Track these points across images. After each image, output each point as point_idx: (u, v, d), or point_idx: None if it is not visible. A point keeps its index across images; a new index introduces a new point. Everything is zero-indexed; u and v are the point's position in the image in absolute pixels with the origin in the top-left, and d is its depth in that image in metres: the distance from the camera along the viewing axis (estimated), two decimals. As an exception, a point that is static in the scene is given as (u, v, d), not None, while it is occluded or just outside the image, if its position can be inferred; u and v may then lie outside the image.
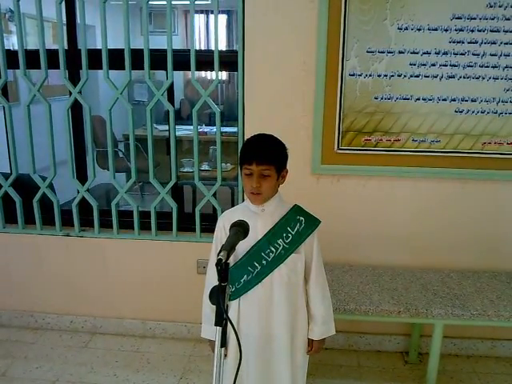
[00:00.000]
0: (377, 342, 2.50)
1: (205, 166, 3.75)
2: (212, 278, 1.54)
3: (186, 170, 3.66)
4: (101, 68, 2.33)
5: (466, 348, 2.47)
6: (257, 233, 1.48)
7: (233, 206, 1.68)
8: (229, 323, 1.12)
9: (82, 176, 2.57)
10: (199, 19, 6.79)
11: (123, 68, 2.32)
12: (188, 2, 2.19)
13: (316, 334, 1.58)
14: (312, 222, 1.53)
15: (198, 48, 6.82)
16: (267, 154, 1.43)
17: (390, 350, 2.50)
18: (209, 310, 1.55)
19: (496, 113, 2.19)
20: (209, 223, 2.34)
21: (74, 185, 2.52)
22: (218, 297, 1.12)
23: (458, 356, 2.46)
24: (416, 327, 2.37)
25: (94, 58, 2.32)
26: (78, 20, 2.36)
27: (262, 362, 1.56)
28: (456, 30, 2.11)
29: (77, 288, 2.63)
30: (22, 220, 2.58)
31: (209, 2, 2.21)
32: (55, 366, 2.37)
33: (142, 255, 2.55)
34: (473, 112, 2.20)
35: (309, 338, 1.59)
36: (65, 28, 2.38)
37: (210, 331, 1.57)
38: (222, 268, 1.13)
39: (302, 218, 1.51)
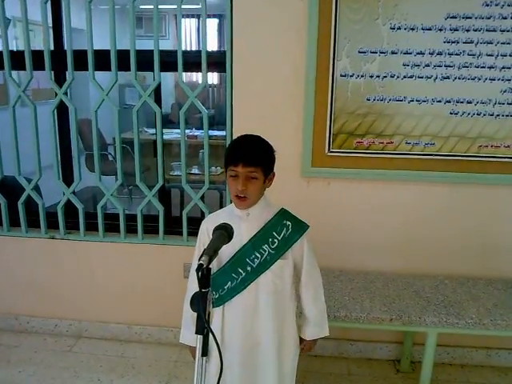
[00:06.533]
0: (368, 349, 2.45)
1: (195, 170, 3.76)
2: (194, 283, 1.49)
3: (175, 173, 3.65)
4: (87, 69, 2.28)
5: (460, 357, 2.41)
6: (241, 238, 1.43)
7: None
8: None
9: (69, 178, 2.53)
10: (190, 23, 6.80)
11: (110, 69, 2.27)
12: (175, 6, 2.15)
13: (307, 335, 1.55)
14: (300, 227, 1.46)
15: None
16: (254, 156, 1.37)
17: (381, 358, 2.45)
18: (189, 315, 1.50)
19: (493, 115, 2.13)
20: (196, 227, 2.23)
21: (60, 187, 2.47)
22: (199, 304, 1.06)
23: (451, 365, 2.41)
24: (408, 335, 2.32)
25: (81, 59, 2.28)
26: (64, 21, 2.32)
27: (247, 371, 1.52)
28: (451, 30, 2.05)
29: (62, 291, 2.59)
30: (6, 222, 2.55)
31: (200, 6, 2.17)
32: (38, 370, 2.33)
33: (128, 259, 2.51)
34: (468, 114, 2.14)
35: (301, 337, 1.56)
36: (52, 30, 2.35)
37: (189, 337, 1.54)
38: (203, 274, 1.07)
39: (288, 223, 1.45)
